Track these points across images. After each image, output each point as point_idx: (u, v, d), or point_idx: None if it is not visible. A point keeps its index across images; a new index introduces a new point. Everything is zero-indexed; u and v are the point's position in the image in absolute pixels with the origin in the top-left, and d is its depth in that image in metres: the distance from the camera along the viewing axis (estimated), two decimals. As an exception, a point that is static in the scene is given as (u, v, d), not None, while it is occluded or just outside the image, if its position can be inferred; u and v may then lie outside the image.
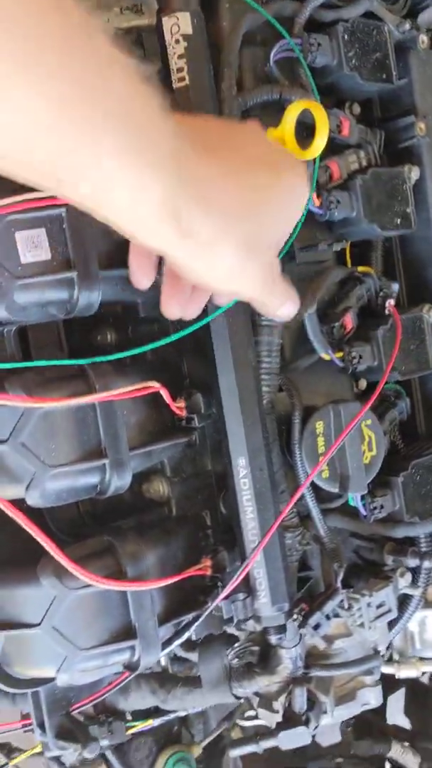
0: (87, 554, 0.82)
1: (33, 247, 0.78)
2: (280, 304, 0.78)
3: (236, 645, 1.02)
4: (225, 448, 0.88)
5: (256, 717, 1.06)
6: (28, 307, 0.79)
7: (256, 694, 1.06)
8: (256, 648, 1.02)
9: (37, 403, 0.77)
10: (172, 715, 1.18)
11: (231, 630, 1.04)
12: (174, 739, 1.41)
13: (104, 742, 1.15)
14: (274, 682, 0.99)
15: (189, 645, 1.10)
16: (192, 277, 0.70)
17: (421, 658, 1.21)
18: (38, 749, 1.26)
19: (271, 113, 0.96)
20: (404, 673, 1.20)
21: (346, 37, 0.96)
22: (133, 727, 1.20)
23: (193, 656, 1.09)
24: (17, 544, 0.87)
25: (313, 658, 1.02)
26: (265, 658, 1.00)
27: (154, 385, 0.82)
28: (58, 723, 0.88)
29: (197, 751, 1.40)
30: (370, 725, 1.63)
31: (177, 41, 0.83)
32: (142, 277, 0.79)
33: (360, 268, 1.05)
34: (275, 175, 0.72)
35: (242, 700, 1.13)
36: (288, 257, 0.96)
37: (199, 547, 0.94)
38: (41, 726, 0.89)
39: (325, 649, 1.03)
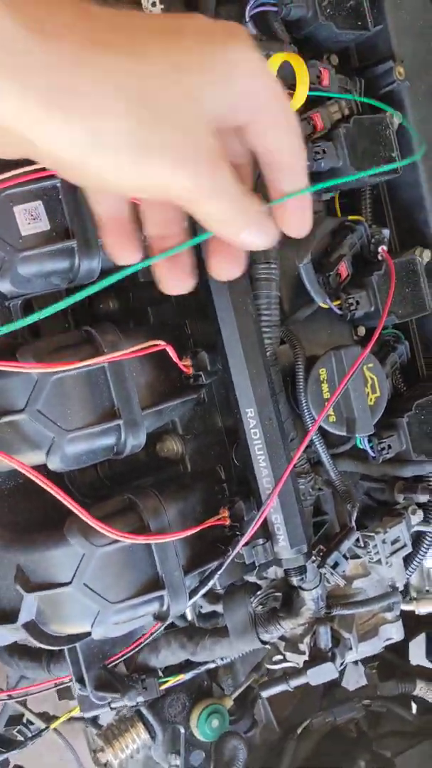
0: (110, 512, 0.85)
1: (32, 219, 0.80)
2: (243, 224, 0.58)
3: (259, 593, 1.06)
4: (233, 401, 0.91)
5: (283, 660, 1.10)
6: (31, 278, 0.82)
7: (282, 638, 1.10)
8: (278, 594, 1.06)
9: (49, 368, 0.80)
10: (202, 668, 1.23)
11: (252, 579, 1.07)
12: (206, 693, 1.46)
13: (139, 699, 1.20)
14: (298, 624, 1.03)
15: (213, 597, 1.13)
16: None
17: (439, 594, 1.25)
18: (75, 712, 1.31)
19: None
20: (423, 609, 1.23)
21: (320, -12, 0.97)
22: (166, 682, 1.25)
23: (218, 608, 1.13)
24: (41, 511, 0.90)
25: (334, 599, 1.05)
26: (288, 602, 1.04)
27: (160, 343, 0.84)
28: (96, 675, 0.91)
29: (229, 703, 1.45)
30: (393, 667, 1.68)
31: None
32: (121, 252, 0.65)
33: (350, 217, 1.07)
34: (178, 25, 0.54)
35: (268, 647, 1.17)
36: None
37: (216, 500, 0.97)
38: (80, 680, 0.93)
39: (345, 589, 1.06)
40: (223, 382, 0.96)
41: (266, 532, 0.92)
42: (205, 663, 1.20)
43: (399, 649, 1.67)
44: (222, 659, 1.19)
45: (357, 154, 1.00)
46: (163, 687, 1.23)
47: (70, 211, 0.81)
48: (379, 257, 1.04)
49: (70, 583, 0.83)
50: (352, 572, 1.07)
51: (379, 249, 1.05)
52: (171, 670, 1.23)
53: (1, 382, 0.82)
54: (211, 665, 1.24)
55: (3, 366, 0.78)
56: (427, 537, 1.11)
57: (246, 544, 0.90)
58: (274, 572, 1.07)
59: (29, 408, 0.81)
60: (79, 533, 0.83)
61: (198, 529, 0.88)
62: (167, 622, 0.88)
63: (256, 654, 1.58)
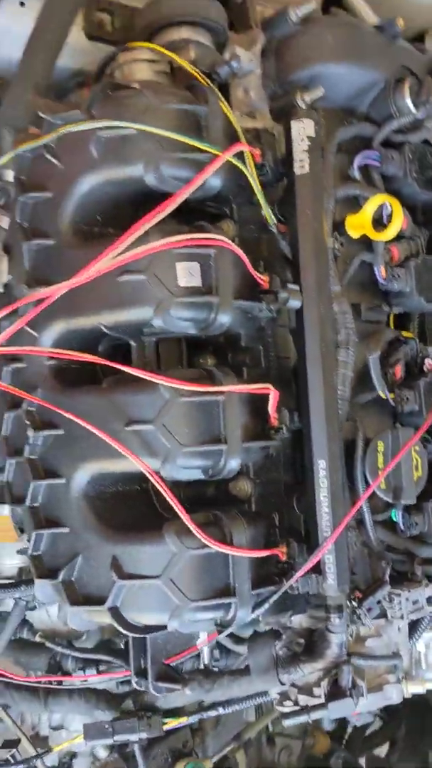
0: (201, 523, 1.00)
1: (189, 275, 1.01)
2: None
3: (284, 637, 1.19)
4: (307, 453, 1.09)
5: (295, 705, 1.21)
6: (177, 321, 1.01)
7: (295, 685, 1.22)
8: (301, 641, 1.19)
9: (186, 386, 0.97)
10: (205, 714, 1.32)
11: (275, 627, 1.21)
12: (188, 752, 1.53)
13: (143, 735, 1.29)
14: (317, 668, 1.15)
15: (236, 639, 1.26)
16: None
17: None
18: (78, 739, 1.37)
19: (353, 205, 1.24)
20: (411, 689, 1.37)
21: (410, 155, 1.26)
22: (166, 723, 1.33)
23: (240, 649, 1.25)
24: (135, 514, 1.05)
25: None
26: (310, 648, 1.17)
27: (269, 387, 1.03)
28: (158, 669, 1.02)
29: (209, 765, 1.51)
30: None
31: (302, 140, 1.11)
32: None
33: (403, 333, 1.31)
34: None
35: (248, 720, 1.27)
36: (355, 313, 1.21)
37: (270, 540, 1.12)
38: (139, 673, 1.03)
39: (358, 646, 1.21)
40: (290, 443, 1.15)
41: (317, 569, 1.07)
42: (212, 707, 1.29)
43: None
44: (223, 707, 1.29)
45: (422, 284, 1.25)
46: (166, 727, 1.32)
47: (217, 275, 1.02)
48: (425, 368, 1.28)
49: (158, 576, 0.97)
50: (364, 632, 1.22)
51: (426, 362, 1.28)
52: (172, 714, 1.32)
53: (136, 397, 1.00)
54: (213, 713, 1.33)
55: (149, 377, 0.96)
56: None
57: (302, 575, 1.05)
58: (299, 622, 1.22)
59: (157, 421, 0.98)
60: (176, 534, 0.98)
61: (268, 552, 1.04)
62: (230, 630, 1.01)
63: (238, 722, 1.66)
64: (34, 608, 1.39)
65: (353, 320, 1.17)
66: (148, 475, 0.96)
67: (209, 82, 1.08)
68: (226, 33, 1.24)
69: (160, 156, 1.01)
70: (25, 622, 1.41)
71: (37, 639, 1.40)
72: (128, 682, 1.33)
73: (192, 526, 0.95)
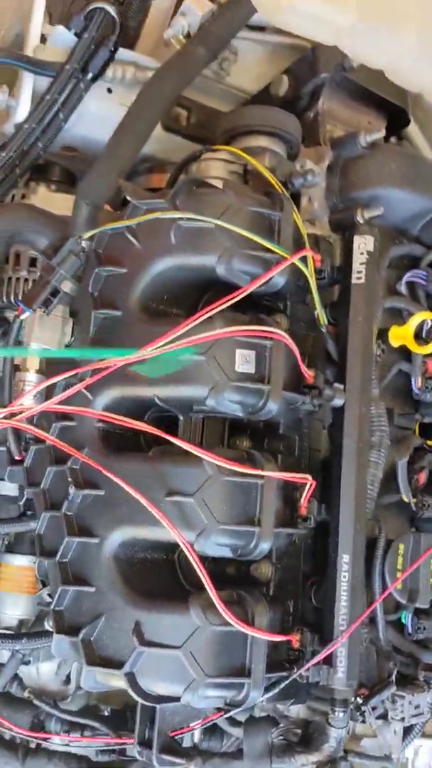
0: (225, 600, 1.03)
1: (245, 361, 1.08)
2: None
3: (281, 726, 1.20)
4: (332, 545, 1.13)
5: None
6: (229, 403, 1.07)
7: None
8: (298, 731, 1.20)
9: (223, 463, 1.02)
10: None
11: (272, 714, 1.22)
12: None
13: None
14: (311, 761, 1.16)
15: (232, 722, 1.26)
16: None
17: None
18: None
19: (394, 315, 1.32)
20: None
21: (456, 280, 1.36)
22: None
23: (235, 731, 1.25)
24: (162, 582, 1.08)
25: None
26: (306, 739, 1.18)
27: (308, 477, 1.08)
28: (164, 741, 1.03)
29: None
30: None
31: (362, 253, 1.20)
32: None
33: (428, 442, 1.37)
34: None
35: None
36: (388, 416, 1.27)
37: (284, 627, 1.15)
38: (143, 743, 1.04)
39: (352, 744, 1.21)
40: (312, 533, 1.19)
41: (328, 661, 1.10)
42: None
43: None
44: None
45: (455, 400, 1.32)
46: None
47: (271, 364, 1.09)
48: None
49: (179, 647, 0.99)
50: (361, 731, 1.23)
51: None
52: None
53: (180, 469, 1.05)
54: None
55: (197, 451, 1.01)
56: None
57: (313, 665, 1.07)
58: (297, 712, 1.23)
59: (197, 495, 1.03)
60: (201, 608, 1.01)
61: (285, 638, 1.06)
62: (239, 710, 1.03)
63: None
64: (28, 663, 1.39)
65: (387, 424, 1.23)
66: (183, 546, 1.00)
67: (285, 190, 1.17)
68: (299, 146, 1.35)
69: (233, 251, 1.09)
70: (15, 677, 1.41)
71: (25, 695, 1.40)
72: (109, 751, 1.33)
73: (218, 603, 0.99)
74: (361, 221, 1.28)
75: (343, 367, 1.19)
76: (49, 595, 1.14)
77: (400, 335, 1.29)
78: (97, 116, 1.54)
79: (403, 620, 1.22)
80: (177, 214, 1.08)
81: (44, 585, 1.17)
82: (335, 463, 1.16)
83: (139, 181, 1.63)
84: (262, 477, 1.05)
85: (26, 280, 1.50)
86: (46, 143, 1.45)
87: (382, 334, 1.30)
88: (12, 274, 1.50)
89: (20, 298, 1.45)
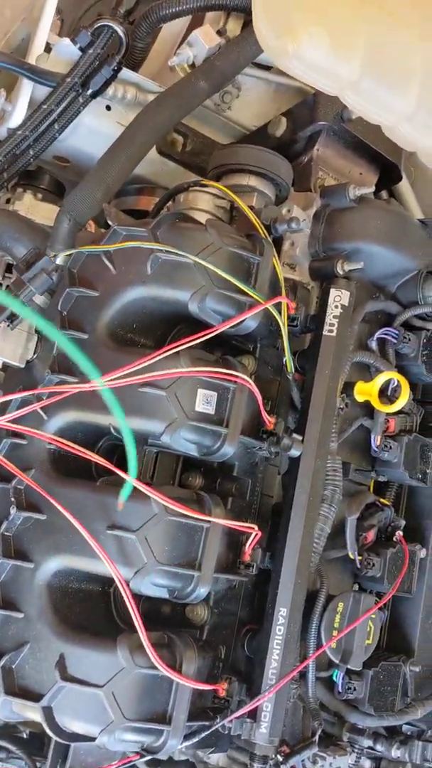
0: (154, 643, 1.01)
1: (206, 402, 1.07)
2: None
3: (199, 774, 1.18)
4: (271, 596, 1.12)
5: None
6: (183, 442, 1.06)
7: None
8: (215, 781, 1.18)
9: (169, 504, 1.00)
10: None
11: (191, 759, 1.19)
12: None
13: None
14: None
15: (150, 763, 1.23)
16: None
17: None
18: None
19: (362, 371, 1.32)
20: None
21: (425, 340, 1.36)
22: None
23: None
24: (93, 616, 1.06)
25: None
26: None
27: (254, 527, 1.07)
28: (73, 782, 1.00)
29: None
30: None
31: (336, 306, 1.20)
32: None
33: (381, 500, 1.37)
34: None
35: None
36: (344, 470, 1.26)
37: (212, 673, 1.13)
38: (54, 780, 1.01)
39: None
40: (256, 582, 1.18)
41: (253, 715, 1.08)
42: None
43: None
44: None
45: (408, 459, 1.32)
46: None
47: (231, 408, 1.08)
48: (395, 539, 1.32)
49: (102, 686, 0.97)
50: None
51: (397, 533, 1.33)
52: None
53: (128, 503, 1.02)
54: None
55: (144, 489, 0.99)
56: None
57: (237, 717, 1.05)
58: (217, 759, 1.20)
59: (140, 532, 1.01)
60: (128, 649, 0.98)
61: (211, 687, 1.04)
62: (150, 757, 1.00)
63: None
64: None
65: (341, 479, 1.23)
66: (118, 583, 0.98)
67: (267, 235, 1.17)
68: (289, 190, 1.35)
69: (208, 289, 1.08)
70: None
71: None
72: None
73: (147, 645, 0.96)
74: (341, 273, 1.28)
75: (304, 417, 1.18)
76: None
77: (366, 391, 1.29)
78: (93, 131, 1.53)
79: (334, 678, 1.21)
80: (156, 246, 1.07)
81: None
82: (285, 513, 1.15)
83: (127, 201, 1.62)
84: (208, 521, 1.03)
85: (-1, 285, 1.49)
86: (37, 152, 1.43)
87: (348, 387, 1.30)
88: (-14, 280, 1.48)
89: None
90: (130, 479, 0.99)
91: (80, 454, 1.03)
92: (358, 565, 1.25)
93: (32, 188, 1.58)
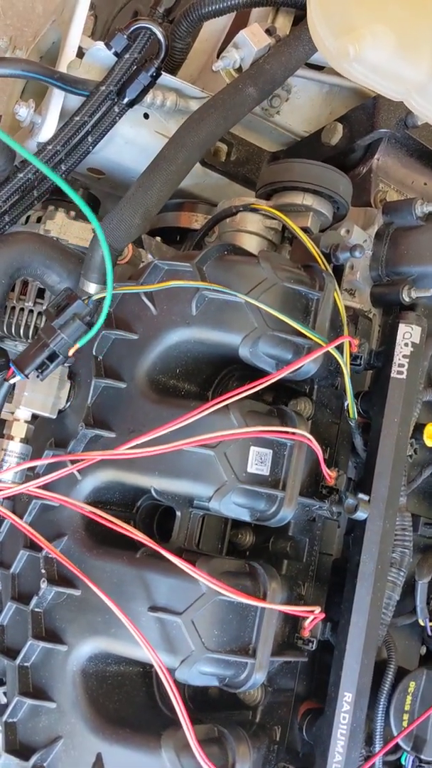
0: (203, 739, 0.88)
1: (259, 461, 0.94)
2: None
3: None
4: (334, 677, 0.99)
5: None
6: (237, 507, 0.93)
7: None
8: None
9: (218, 587, 0.88)
10: None
11: None
12: None
13: None
14: None
15: None
16: None
17: None
18: None
19: (429, 407, 1.18)
20: None
21: None
22: None
23: None
24: (134, 702, 0.94)
25: None
26: None
27: (316, 610, 0.94)
28: None
29: None
30: None
31: (406, 344, 1.05)
32: None
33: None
34: None
35: None
36: (414, 524, 1.12)
37: (268, 759, 1.01)
38: None
39: None
40: (313, 655, 1.05)
41: None
42: None
43: None
44: None
45: None
46: None
47: (288, 468, 0.94)
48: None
49: (145, 794, 0.85)
50: None
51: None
52: None
53: (169, 580, 0.90)
54: None
55: (188, 568, 0.87)
56: None
57: None
58: None
59: (186, 614, 0.88)
60: (174, 750, 0.86)
61: (267, 788, 0.92)
62: None
63: None
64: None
65: (411, 538, 1.09)
66: (161, 674, 0.86)
67: (328, 266, 1.03)
68: (348, 208, 1.21)
69: (261, 332, 0.94)
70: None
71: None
72: None
73: (195, 746, 0.84)
74: (407, 300, 1.14)
75: (370, 472, 1.04)
76: (5, 693, 0.99)
77: (434, 433, 1.14)
78: (130, 141, 1.41)
79: (402, 761, 1.07)
80: (202, 285, 0.94)
81: (1, 682, 1.03)
82: (349, 581, 1.02)
83: (166, 218, 1.49)
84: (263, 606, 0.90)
85: (31, 311, 1.37)
86: (70, 167, 1.31)
87: (417, 430, 1.15)
88: (16, 303, 1.37)
89: (21, 337, 1.33)
90: (173, 558, 0.86)
91: (119, 529, 0.91)
92: (429, 632, 1.11)
93: (65, 205, 1.46)
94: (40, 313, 1.33)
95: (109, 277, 0.97)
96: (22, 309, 1.36)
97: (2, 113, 1.66)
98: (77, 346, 0.96)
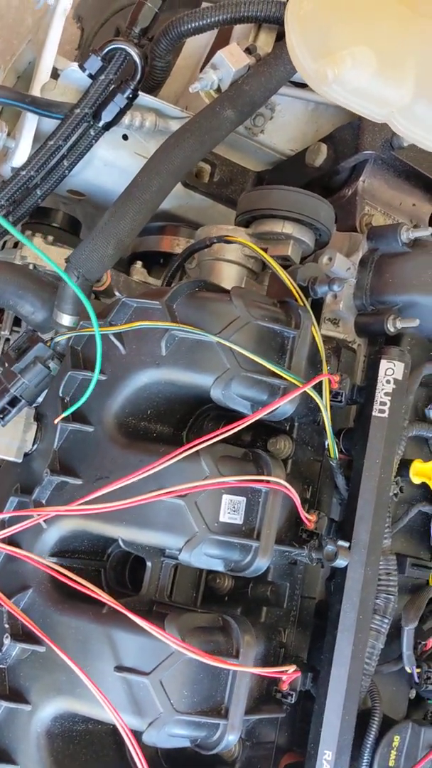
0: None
1: (232, 510, 0.89)
2: None
3: None
4: (313, 735, 0.94)
5: None
6: (206, 558, 0.88)
7: None
8: None
9: (186, 649, 0.83)
10: None
11: None
12: None
13: None
14: None
15: None
16: None
17: None
18: None
19: (419, 444, 1.13)
20: None
21: None
22: None
23: None
24: (102, 763, 0.89)
25: None
26: None
27: (290, 670, 0.89)
28: None
29: None
30: None
31: (388, 381, 1.01)
32: None
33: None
34: None
35: None
36: (399, 565, 1.07)
37: None
38: None
39: None
40: (296, 710, 1.00)
41: None
42: None
43: None
44: None
45: None
46: None
47: (262, 517, 0.90)
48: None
49: None
50: None
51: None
52: None
53: (137, 638, 0.86)
54: None
55: (154, 630, 0.82)
56: None
57: None
58: None
59: (153, 675, 0.84)
60: None
61: None
62: None
63: None
64: None
65: (396, 582, 1.04)
66: (126, 738, 0.81)
67: (305, 301, 0.98)
68: (330, 235, 1.16)
69: (234, 373, 0.90)
70: None
71: None
72: None
73: None
74: (392, 330, 1.10)
75: (351, 515, 0.99)
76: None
77: (424, 472, 1.09)
78: (109, 163, 1.37)
79: None
80: (171, 326, 0.90)
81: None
82: (329, 631, 0.97)
83: (148, 242, 1.45)
84: (236, 667, 0.85)
85: (7, 339, 1.34)
86: (45, 191, 1.27)
87: (403, 467, 1.10)
88: (-8, 332, 1.33)
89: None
90: (138, 619, 0.82)
91: (84, 589, 0.86)
92: (416, 679, 1.07)
93: (43, 228, 1.42)
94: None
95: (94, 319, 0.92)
96: (-2, 337, 1.33)
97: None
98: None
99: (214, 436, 0.88)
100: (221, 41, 1.45)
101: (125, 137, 1.36)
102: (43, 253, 0.95)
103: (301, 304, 0.97)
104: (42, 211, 1.42)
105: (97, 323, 0.91)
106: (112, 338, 0.94)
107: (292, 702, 0.96)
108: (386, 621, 1.01)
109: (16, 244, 1.39)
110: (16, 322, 1.37)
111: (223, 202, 1.44)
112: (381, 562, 1.02)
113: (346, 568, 0.97)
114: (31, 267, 1.29)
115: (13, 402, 0.91)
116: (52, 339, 0.94)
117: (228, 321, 0.90)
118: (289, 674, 0.90)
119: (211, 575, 1.05)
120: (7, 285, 1.14)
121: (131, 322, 0.93)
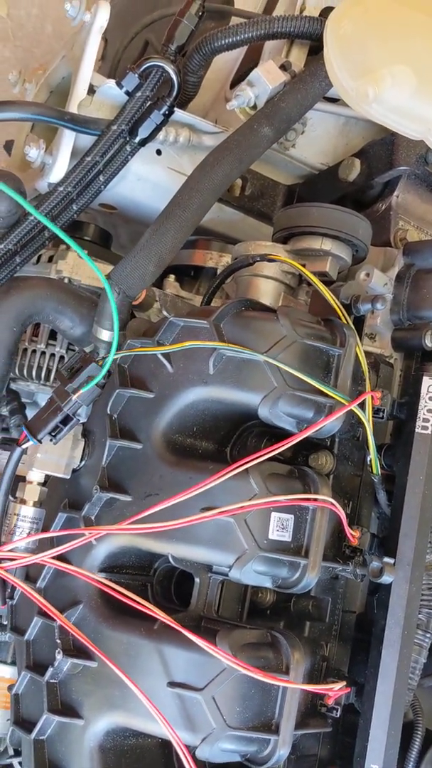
0: None
1: (281, 527, 0.90)
2: None
3: None
4: (359, 750, 0.95)
5: None
6: (255, 574, 0.89)
7: None
8: None
9: (239, 666, 0.84)
10: None
11: None
12: None
13: None
14: None
15: None
16: None
17: None
18: None
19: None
20: None
21: None
22: None
23: None
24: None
25: None
26: None
27: (337, 687, 0.90)
28: None
29: None
30: None
31: (431, 398, 1.01)
32: None
33: None
34: None
35: None
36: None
37: None
38: None
39: None
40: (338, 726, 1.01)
41: None
42: None
43: None
44: None
45: None
46: None
47: (310, 534, 0.91)
48: None
49: None
50: None
51: None
52: None
53: (188, 654, 0.87)
54: None
55: (205, 645, 0.83)
56: None
57: None
58: None
59: (206, 691, 0.85)
60: None
61: None
62: None
63: None
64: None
65: (438, 596, 1.05)
66: (181, 754, 0.83)
67: (349, 319, 0.99)
68: (367, 251, 1.17)
69: (281, 392, 0.91)
70: None
71: None
72: None
73: None
74: (430, 346, 1.10)
75: (395, 532, 1.00)
76: (20, 763, 0.96)
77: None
78: (142, 178, 1.38)
79: None
80: (219, 345, 0.91)
81: (16, 753, 1.00)
82: (374, 646, 0.98)
83: (180, 256, 1.46)
84: (286, 683, 0.87)
85: (43, 353, 1.35)
86: (81, 206, 1.28)
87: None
88: (28, 345, 1.34)
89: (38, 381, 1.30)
90: (192, 636, 0.83)
91: (136, 605, 0.87)
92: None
93: (75, 242, 1.43)
94: (52, 355, 1.31)
95: (115, 339, 0.94)
96: (34, 351, 1.33)
97: (14, 141, 1.64)
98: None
99: (263, 455, 0.89)
100: (251, 54, 1.46)
101: (159, 152, 1.37)
102: (98, 270, 0.97)
103: (345, 322, 0.98)
104: (74, 224, 1.44)
105: (117, 332, 0.92)
106: (161, 357, 0.95)
107: (337, 716, 0.97)
108: (428, 636, 1.02)
109: (51, 258, 1.41)
110: (52, 335, 1.39)
111: (254, 215, 1.46)
112: (423, 578, 1.03)
113: (390, 584, 0.98)
114: (66, 281, 1.31)
115: (66, 421, 0.92)
116: (103, 358, 0.95)
117: (275, 340, 0.91)
118: (337, 690, 0.91)
119: (254, 589, 1.06)
120: (47, 301, 1.16)
121: (179, 341, 0.94)
